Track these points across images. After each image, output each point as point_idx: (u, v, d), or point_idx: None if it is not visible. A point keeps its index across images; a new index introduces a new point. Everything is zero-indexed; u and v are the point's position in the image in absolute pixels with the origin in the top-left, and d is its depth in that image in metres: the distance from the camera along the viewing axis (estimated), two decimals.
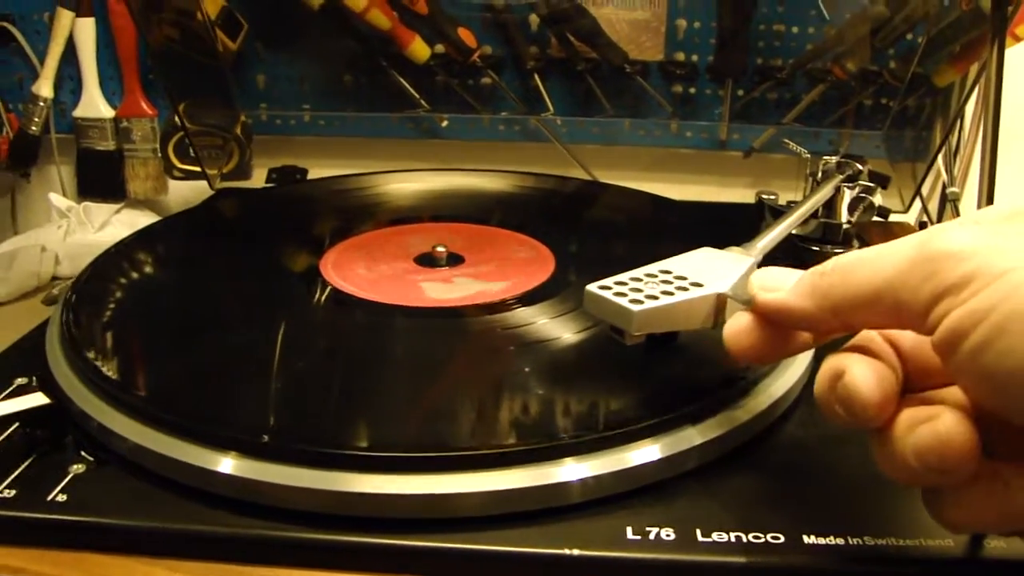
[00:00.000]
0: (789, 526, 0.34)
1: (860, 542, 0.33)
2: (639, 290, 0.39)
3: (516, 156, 0.82)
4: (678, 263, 0.42)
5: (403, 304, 0.49)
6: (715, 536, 0.33)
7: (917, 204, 0.73)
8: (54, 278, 0.73)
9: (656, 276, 0.41)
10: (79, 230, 0.78)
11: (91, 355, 0.42)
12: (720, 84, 0.78)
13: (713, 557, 0.33)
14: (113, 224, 0.80)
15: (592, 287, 0.40)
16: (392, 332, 0.47)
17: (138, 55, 0.79)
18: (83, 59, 0.79)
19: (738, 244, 0.45)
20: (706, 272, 0.41)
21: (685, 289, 0.40)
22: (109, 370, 0.41)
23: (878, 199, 0.60)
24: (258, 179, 0.80)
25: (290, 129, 0.82)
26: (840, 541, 0.33)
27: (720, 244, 0.45)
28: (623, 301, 0.39)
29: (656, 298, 0.39)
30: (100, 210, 0.80)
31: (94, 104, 0.80)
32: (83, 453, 0.38)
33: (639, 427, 0.37)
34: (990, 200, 0.62)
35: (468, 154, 0.82)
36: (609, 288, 0.40)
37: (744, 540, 0.33)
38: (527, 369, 0.42)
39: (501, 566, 0.33)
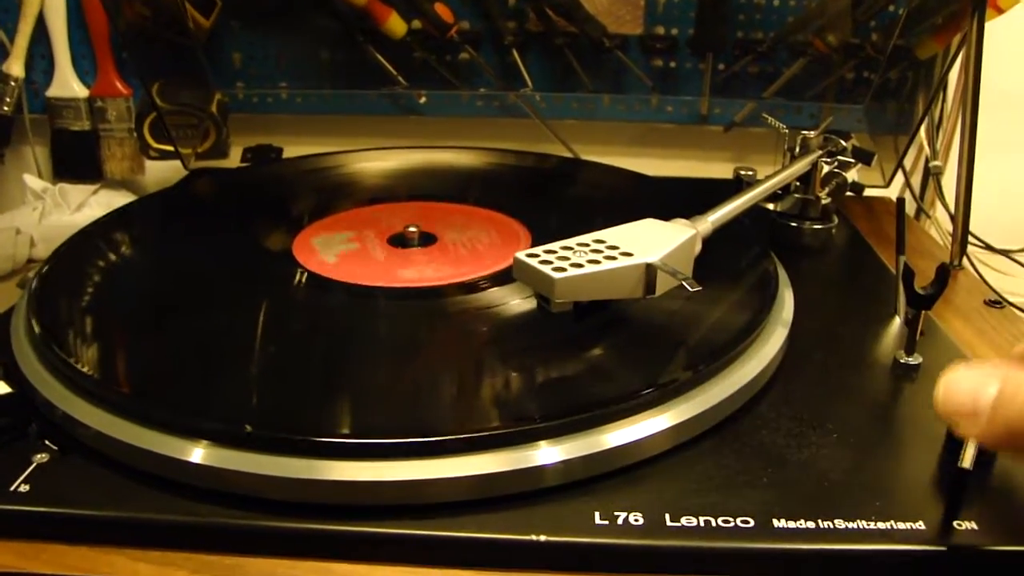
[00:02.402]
0: (759, 510, 0.34)
1: (831, 525, 0.33)
2: (566, 258, 0.40)
3: (495, 131, 0.81)
4: (615, 233, 0.42)
5: (375, 285, 0.48)
6: (684, 521, 0.33)
7: (899, 178, 0.72)
8: (30, 260, 0.72)
9: (588, 245, 0.41)
10: (55, 212, 0.77)
11: (54, 342, 0.41)
12: (701, 58, 0.78)
13: (682, 542, 0.32)
14: (90, 205, 0.79)
15: (520, 254, 0.40)
16: (364, 315, 0.46)
17: (110, 33, 0.78)
18: (54, 37, 0.78)
19: None
20: (641, 242, 0.41)
21: (613, 259, 0.40)
22: (73, 357, 0.40)
23: (852, 175, 0.59)
24: (235, 157, 0.79)
25: (267, 107, 0.81)
26: (811, 524, 0.33)
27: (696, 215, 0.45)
28: (547, 269, 0.39)
29: (581, 266, 0.39)
30: (76, 191, 0.79)
31: (67, 83, 0.79)
32: (47, 442, 0.37)
33: (610, 410, 0.36)
34: (970, 174, 0.62)
35: (447, 130, 0.81)
36: (536, 256, 0.40)
37: (713, 524, 0.33)
38: (498, 352, 0.42)
39: (469, 552, 0.33)
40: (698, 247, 0.44)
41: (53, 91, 0.79)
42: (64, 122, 0.80)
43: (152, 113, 0.76)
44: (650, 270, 0.40)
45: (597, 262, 0.40)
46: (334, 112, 0.81)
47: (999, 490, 0.35)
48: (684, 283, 0.39)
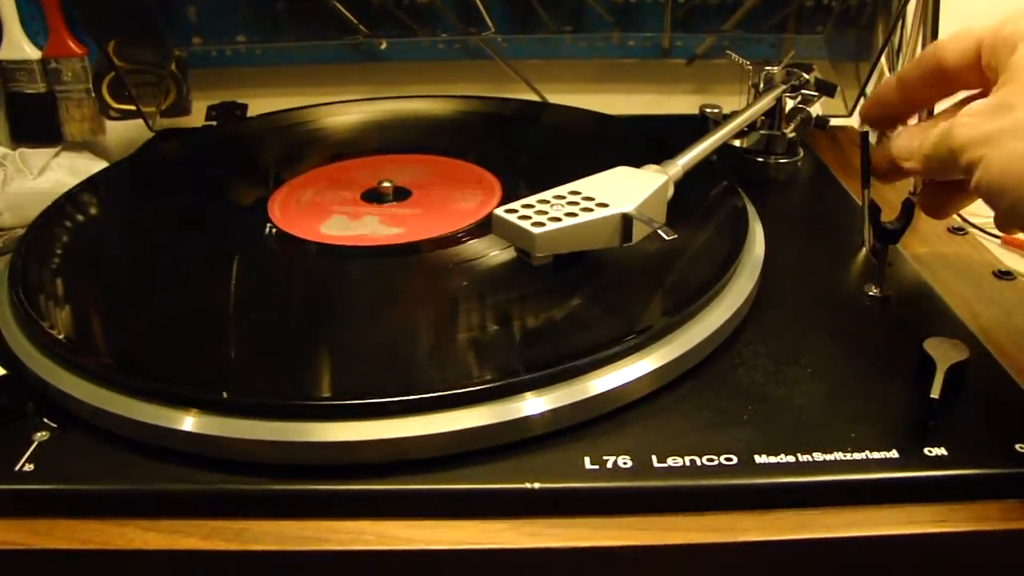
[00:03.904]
0: (741, 447, 0.35)
1: (809, 458, 0.35)
2: (544, 212, 0.41)
3: (458, 74, 0.81)
4: (589, 183, 0.43)
5: (352, 244, 0.49)
6: (671, 461, 0.35)
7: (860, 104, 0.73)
8: None
9: (564, 197, 0.42)
10: (17, 177, 0.76)
11: (43, 319, 0.41)
12: None
13: (670, 482, 0.34)
14: (52, 169, 0.78)
15: (499, 210, 0.41)
16: (342, 274, 0.47)
17: None
18: None
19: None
20: (615, 192, 0.42)
21: (590, 210, 0.41)
22: (63, 334, 0.40)
23: (816, 110, 0.60)
24: (197, 113, 0.78)
25: (227, 61, 0.80)
26: (791, 458, 0.35)
27: (663, 158, 0.46)
28: (526, 224, 0.40)
29: (559, 220, 0.40)
30: (37, 155, 0.78)
31: (17, 45, 0.77)
32: (45, 420, 0.38)
33: (592, 358, 0.37)
34: None
35: (410, 75, 0.81)
36: (515, 211, 0.41)
37: (698, 463, 0.35)
38: (479, 306, 0.43)
39: (465, 504, 0.34)
40: (670, 191, 0.45)
41: (4, 54, 0.77)
42: (18, 85, 0.78)
43: (110, 73, 0.75)
44: (626, 220, 0.41)
45: (574, 214, 0.40)
46: (295, 63, 0.80)
47: (965, 419, 0.37)
48: (660, 231, 0.40)
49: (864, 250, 0.49)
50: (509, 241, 0.41)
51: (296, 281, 0.47)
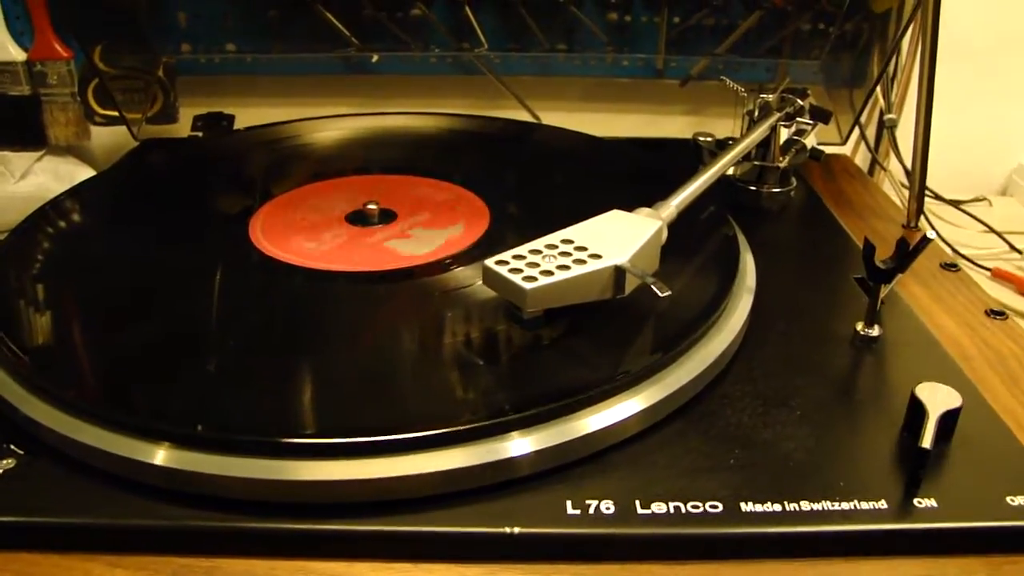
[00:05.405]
0: (727, 493, 0.34)
1: (797, 507, 0.34)
2: (535, 264, 0.39)
3: (449, 89, 0.80)
4: (581, 231, 0.42)
5: (335, 269, 0.48)
6: (654, 507, 0.34)
7: (855, 134, 0.73)
8: None
9: (556, 247, 0.41)
10: None
11: (12, 340, 0.40)
12: (655, 11, 0.77)
13: (653, 530, 0.33)
14: (35, 173, 0.77)
15: (490, 262, 0.40)
16: (323, 301, 0.46)
17: None
18: None
19: (670, 188, 0.45)
20: (608, 240, 0.41)
21: (583, 262, 0.40)
22: (33, 358, 0.39)
23: (811, 141, 0.59)
24: (185, 122, 0.77)
25: (216, 68, 0.78)
26: (777, 507, 0.34)
27: (653, 186, 0.45)
28: (517, 279, 0.38)
29: (551, 273, 0.39)
30: (20, 159, 0.76)
31: (2, 46, 0.75)
32: (12, 447, 0.37)
33: (580, 398, 0.37)
34: (927, 126, 0.62)
35: (401, 89, 0.80)
36: (506, 263, 0.40)
37: (683, 510, 0.34)
38: (463, 342, 0.42)
39: (441, 547, 0.33)
40: (664, 236, 0.44)
41: None
42: (2, 87, 0.77)
43: (95, 78, 0.74)
44: (619, 272, 0.40)
45: (567, 267, 0.39)
46: (284, 73, 0.79)
47: (957, 468, 0.36)
48: (654, 287, 0.39)
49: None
50: (499, 293, 0.40)
51: (275, 307, 0.46)
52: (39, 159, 0.78)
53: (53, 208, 0.55)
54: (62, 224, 0.54)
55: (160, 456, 0.34)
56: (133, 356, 0.41)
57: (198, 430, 0.35)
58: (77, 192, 0.59)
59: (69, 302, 0.46)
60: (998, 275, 0.64)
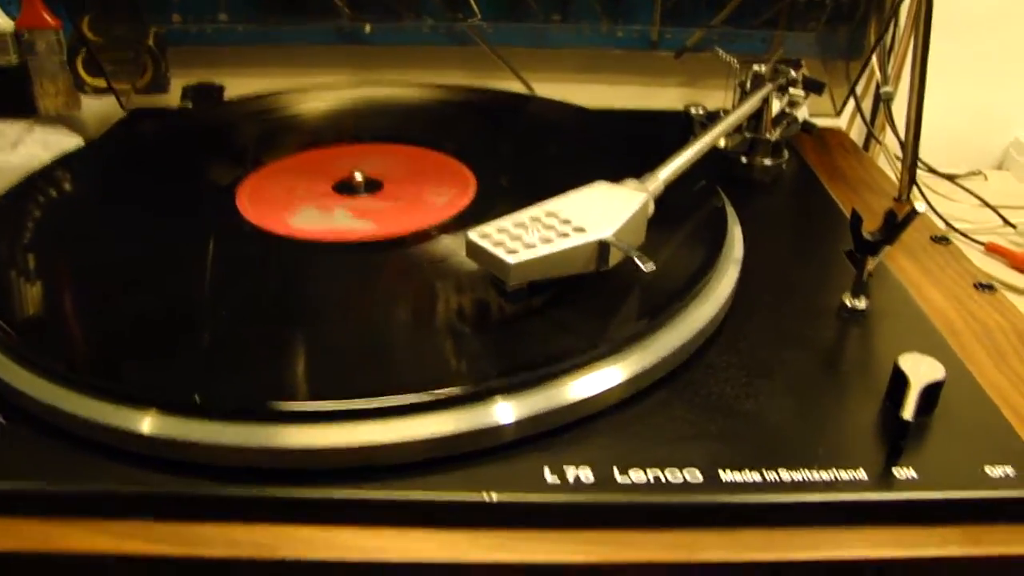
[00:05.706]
0: (706, 462, 0.34)
1: (776, 476, 0.34)
2: (518, 237, 0.39)
3: (442, 60, 0.79)
4: (566, 203, 0.42)
5: (320, 239, 0.47)
6: (633, 475, 0.34)
7: (849, 106, 0.72)
8: None
9: (540, 220, 0.40)
10: None
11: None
12: None
13: (630, 498, 0.33)
14: (26, 143, 0.76)
15: (472, 235, 0.39)
16: (308, 271, 0.46)
17: None
18: None
19: (660, 159, 0.44)
20: (593, 214, 0.40)
21: (567, 235, 0.39)
22: (16, 325, 0.39)
23: (803, 113, 0.59)
24: (175, 92, 0.76)
25: (207, 38, 0.78)
26: (756, 476, 0.34)
27: (642, 158, 0.45)
28: (500, 252, 0.38)
29: (534, 247, 0.38)
30: (10, 129, 0.76)
31: None
32: None
33: (564, 365, 0.37)
34: (920, 100, 0.62)
35: (394, 60, 0.79)
36: (489, 236, 0.39)
37: (662, 478, 0.34)
38: (447, 310, 0.42)
39: (421, 513, 0.33)
40: (651, 209, 0.44)
41: None
42: None
43: (84, 48, 0.73)
44: (603, 246, 0.39)
45: (550, 240, 0.39)
46: (277, 43, 0.78)
47: (938, 439, 0.36)
48: (638, 261, 0.39)
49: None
50: (482, 266, 0.40)
51: (261, 277, 0.46)
52: (29, 129, 0.77)
53: (41, 177, 0.55)
54: (52, 193, 0.54)
55: (143, 423, 0.34)
56: (118, 325, 0.41)
57: (180, 396, 0.35)
58: (64, 162, 0.59)
59: (55, 271, 0.46)
60: (992, 249, 0.64)
